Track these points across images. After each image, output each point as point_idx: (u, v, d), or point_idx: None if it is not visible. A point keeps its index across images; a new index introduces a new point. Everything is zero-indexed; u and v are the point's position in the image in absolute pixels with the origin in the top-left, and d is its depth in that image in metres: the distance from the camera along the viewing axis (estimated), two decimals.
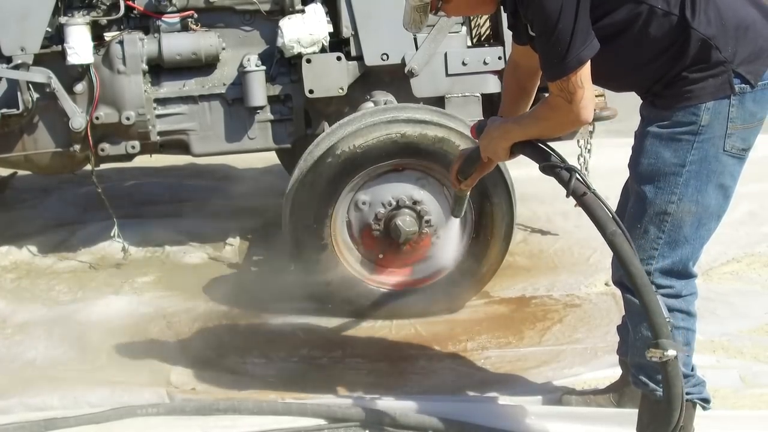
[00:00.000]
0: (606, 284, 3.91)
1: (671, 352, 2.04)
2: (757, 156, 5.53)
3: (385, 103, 3.63)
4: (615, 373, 2.94)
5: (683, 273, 2.33)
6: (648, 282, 2.09)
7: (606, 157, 5.58)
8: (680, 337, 2.32)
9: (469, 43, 3.84)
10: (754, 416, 2.80)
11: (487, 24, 4.18)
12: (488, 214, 3.49)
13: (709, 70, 2.20)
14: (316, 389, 3.01)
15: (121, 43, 3.64)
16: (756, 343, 3.28)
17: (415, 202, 3.50)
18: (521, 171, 5.58)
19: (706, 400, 2.47)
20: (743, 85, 2.21)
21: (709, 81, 2.20)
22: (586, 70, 2.13)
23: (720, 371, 3.05)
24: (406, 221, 3.48)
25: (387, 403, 2.89)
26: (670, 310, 2.26)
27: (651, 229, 2.29)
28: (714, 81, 2.20)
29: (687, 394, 2.33)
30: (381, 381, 3.11)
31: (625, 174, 5.49)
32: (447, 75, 3.75)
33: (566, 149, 4.67)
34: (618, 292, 3.75)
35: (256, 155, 5.07)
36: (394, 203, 3.49)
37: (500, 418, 2.76)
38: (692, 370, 2.42)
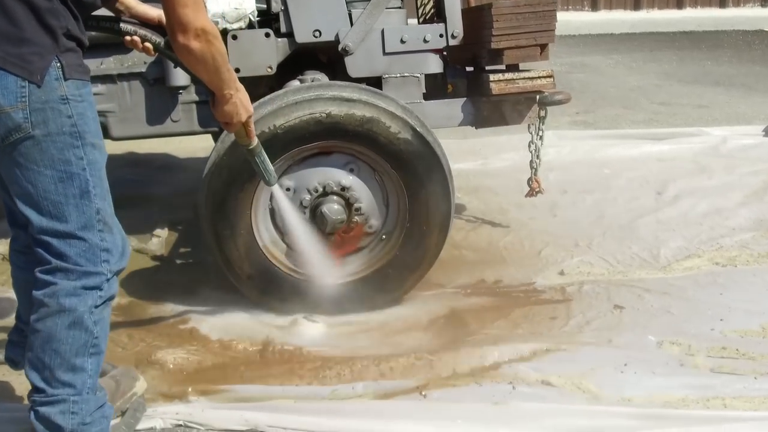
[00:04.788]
0: (560, 274, 3.67)
1: None
2: (726, 148, 5.40)
3: (312, 81, 3.37)
4: (561, 369, 2.73)
5: None
6: None
7: (569, 149, 5.34)
8: None
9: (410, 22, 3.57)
10: (708, 417, 2.55)
11: (431, 3, 3.92)
12: (423, 202, 3.21)
13: None
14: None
15: None
16: (713, 340, 3.03)
17: (343, 189, 3.22)
18: (477, 162, 5.37)
19: None
20: None
21: None
22: None
23: (678, 377, 2.80)
24: (333, 209, 3.20)
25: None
26: None
27: None
28: None
29: None
30: (331, 376, 2.87)
31: (589, 165, 5.20)
32: (384, 53, 3.47)
33: (518, 137, 4.46)
34: (568, 287, 3.52)
35: (200, 144, 4.81)
36: (320, 189, 3.21)
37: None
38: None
